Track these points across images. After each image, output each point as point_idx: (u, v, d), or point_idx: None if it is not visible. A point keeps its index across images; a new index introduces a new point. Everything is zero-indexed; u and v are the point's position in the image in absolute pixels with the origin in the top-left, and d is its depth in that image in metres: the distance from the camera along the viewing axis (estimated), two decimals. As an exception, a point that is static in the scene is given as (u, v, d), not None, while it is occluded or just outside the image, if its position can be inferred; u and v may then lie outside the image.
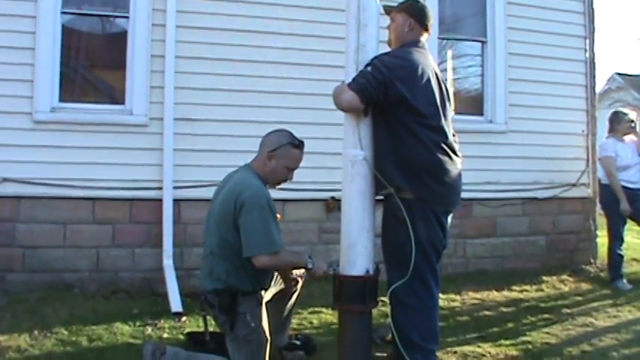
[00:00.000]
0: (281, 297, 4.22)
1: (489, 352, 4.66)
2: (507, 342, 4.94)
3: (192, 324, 5.26)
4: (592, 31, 8.19)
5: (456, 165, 3.90)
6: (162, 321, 5.28)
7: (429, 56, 3.93)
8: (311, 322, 5.45)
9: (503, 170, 7.70)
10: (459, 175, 3.95)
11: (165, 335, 4.94)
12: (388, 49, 3.98)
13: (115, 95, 6.53)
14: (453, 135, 3.95)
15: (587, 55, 8.18)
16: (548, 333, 5.22)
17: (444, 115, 3.87)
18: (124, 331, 5.00)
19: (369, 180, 3.79)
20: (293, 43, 6.84)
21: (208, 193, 6.23)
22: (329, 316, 5.60)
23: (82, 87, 6.61)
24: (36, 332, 4.85)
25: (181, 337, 4.84)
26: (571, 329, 5.36)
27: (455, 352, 4.60)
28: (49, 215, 6.19)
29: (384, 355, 4.26)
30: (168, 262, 6.23)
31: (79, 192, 6.18)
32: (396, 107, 3.71)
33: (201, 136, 6.49)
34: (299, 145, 3.98)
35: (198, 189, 6.42)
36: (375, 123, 3.80)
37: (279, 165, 3.94)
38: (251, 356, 3.76)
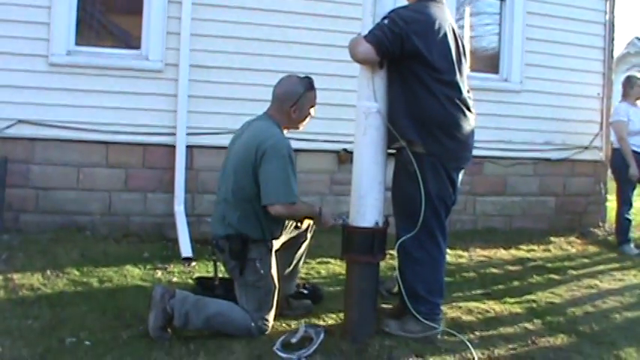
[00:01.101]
0: (290, 246, 4.24)
1: (494, 309, 4.70)
2: (512, 300, 4.97)
3: (202, 269, 5.32)
4: (614, -7, 8.10)
5: (469, 121, 3.91)
6: (171, 265, 5.36)
7: (446, 11, 3.91)
8: (319, 272, 5.51)
9: (516, 130, 7.68)
10: (472, 131, 3.96)
11: (175, 279, 5.01)
12: (406, 3, 3.96)
13: (131, 40, 6.51)
14: (468, 91, 3.95)
15: (607, 17, 8.08)
16: (552, 293, 5.25)
17: (460, 71, 3.86)
18: (134, 273, 5.07)
19: (381, 132, 3.80)
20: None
21: (221, 140, 6.35)
22: (337, 266, 5.66)
23: (98, 31, 6.58)
24: (48, 272, 4.92)
25: (190, 281, 4.89)
26: (575, 290, 5.39)
27: (460, 307, 4.64)
28: (62, 158, 6.24)
29: (390, 306, 4.31)
30: (179, 208, 6.29)
31: (92, 135, 6.22)
32: (411, 61, 3.71)
33: (215, 84, 6.49)
34: (312, 85, 4.02)
35: (211, 136, 6.46)
36: (389, 76, 3.80)
37: (304, 111, 4.00)
38: (258, 302, 3.82)
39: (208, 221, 6.32)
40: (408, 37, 3.62)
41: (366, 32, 3.71)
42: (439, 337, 3.95)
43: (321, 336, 3.66)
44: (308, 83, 4.00)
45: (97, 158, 6.31)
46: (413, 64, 3.71)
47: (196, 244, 5.82)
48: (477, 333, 4.14)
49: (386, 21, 3.63)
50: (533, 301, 4.99)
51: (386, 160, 3.89)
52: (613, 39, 8.15)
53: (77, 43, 6.28)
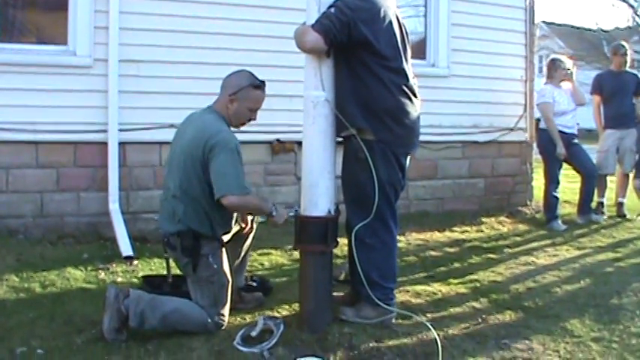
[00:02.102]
0: (237, 238, 4.22)
1: (440, 291, 4.80)
2: (456, 281, 5.08)
3: (145, 268, 5.23)
4: (532, -21, 8.32)
5: (415, 107, 3.98)
6: (113, 265, 5.23)
7: (391, -1, 3.95)
8: (262, 264, 5.49)
9: (445, 114, 7.77)
10: (419, 117, 4.04)
11: (119, 279, 4.90)
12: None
13: (57, 36, 6.27)
14: (413, 77, 4.00)
15: (527, 2, 8.30)
16: (493, 271, 5.39)
17: (405, 58, 3.92)
18: (76, 276, 4.93)
19: (330, 121, 3.82)
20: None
21: (154, 135, 6.30)
22: (278, 257, 5.68)
23: (21, 27, 6.34)
24: (-16, 280, 4.75)
25: (135, 280, 4.81)
26: (514, 268, 5.54)
27: (407, 291, 4.71)
28: (-10, 160, 6.01)
29: (341, 294, 4.33)
30: (114, 206, 6.15)
31: (21, 135, 5.99)
32: (358, 49, 3.74)
33: (147, 78, 6.34)
34: (260, 85, 3.94)
35: (144, 131, 6.33)
36: (336, 65, 3.81)
37: (242, 107, 3.91)
38: (214, 297, 3.79)
39: (145, 218, 6.32)
40: (356, 25, 3.64)
41: (310, 22, 3.70)
42: (394, 321, 4.01)
43: (281, 328, 3.65)
44: (255, 81, 3.94)
45: (26, 159, 6.07)
46: (360, 52, 3.74)
47: (135, 242, 5.72)
48: (429, 315, 4.22)
49: (333, 9, 3.64)
50: (476, 280, 5.12)
51: (335, 148, 3.90)
52: (534, 22, 8.40)
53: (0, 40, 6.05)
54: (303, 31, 3.70)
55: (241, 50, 6.53)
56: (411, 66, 4.00)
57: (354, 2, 3.72)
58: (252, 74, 3.97)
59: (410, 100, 3.91)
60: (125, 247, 5.55)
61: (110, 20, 6.12)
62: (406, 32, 4.00)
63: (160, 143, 6.29)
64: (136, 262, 5.35)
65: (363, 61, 3.76)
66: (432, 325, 3.88)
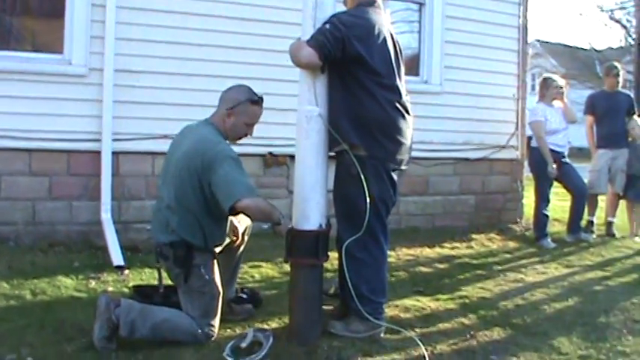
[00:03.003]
0: (228, 251, 4.24)
1: (429, 306, 4.82)
2: (445, 296, 5.10)
3: (136, 277, 5.23)
4: (526, -1, 8.41)
5: (408, 124, 4.02)
6: (104, 274, 5.23)
7: (385, 16, 4.00)
8: (252, 276, 5.51)
9: (437, 130, 7.82)
10: (411, 133, 4.08)
11: (110, 288, 4.90)
12: (345, 8, 4.03)
13: (53, 44, 6.29)
14: (406, 94, 4.04)
15: (521, 21, 8.39)
16: (482, 288, 5.42)
17: (399, 75, 3.97)
18: (67, 284, 4.94)
19: (323, 136, 3.85)
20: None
21: (148, 146, 6.33)
22: (269, 270, 5.69)
23: (17, 35, 6.37)
24: (-25, 286, 4.75)
25: (126, 290, 4.82)
26: (503, 284, 5.57)
27: (397, 306, 4.73)
28: (-18, 167, 6.01)
29: (330, 308, 4.35)
30: (106, 216, 6.16)
31: (15, 143, 6.00)
32: (352, 65, 3.78)
33: (142, 88, 6.37)
34: (258, 100, 3.97)
35: (137, 141, 6.36)
36: (330, 80, 3.85)
37: (239, 122, 3.94)
38: (204, 308, 3.81)
39: (136, 228, 6.33)
40: (350, 42, 3.68)
41: (306, 37, 3.75)
42: (383, 335, 4.04)
43: (270, 340, 3.66)
44: (253, 96, 3.97)
45: (19, 166, 6.09)
46: (354, 69, 3.78)
47: (126, 251, 5.72)
48: (418, 330, 4.23)
49: (327, 25, 3.68)
50: (465, 296, 5.13)
51: (328, 163, 3.94)
52: (526, 41, 8.48)
53: (-4, 48, 6.07)
54: (298, 47, 3.74)
55: (235, 63, 6.59)
56: (404, 83, 4.05)
57: (349, 19, 3.77)
58: (251, 89, 4.00)
59: (402, 116, 3.96)
60: (116, 257, 5.56)
61: (106, 30, 6.15)
62: (400, 50, 4.05)
63: (153, 154, 6.32)
64: (126, 271, 5.35)
65: (356, 77, 3.80)
66: (420, 340, 3.91)
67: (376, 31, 3.81)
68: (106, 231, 6.01)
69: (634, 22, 29.35)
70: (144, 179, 6.46)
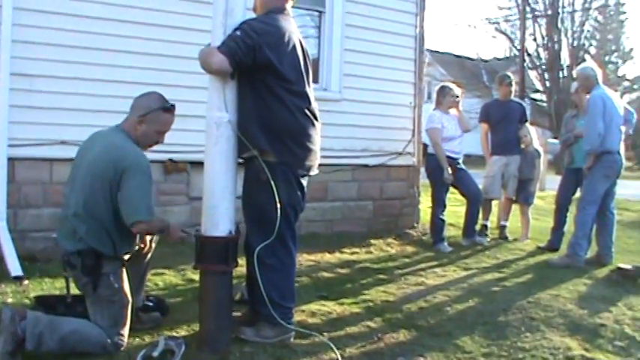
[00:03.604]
0: (135, 258, 4.16)
1: (335, 310, 4.88)
2: (349, 300, 5.18)
3: (36, 287, 5.04)
4: (422, 9, 8.64)
5: (317, 130, 4.07)
6: (2, 285, 5.01)
7: (293, 23, 4.04)
8: (156, 284, 5.41)
9: (336, 137, 7.87)
10: (319, 139, 4.12)
11: (10, 300, 4.69)
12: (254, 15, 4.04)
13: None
14: (314, 101, 4.09)
15: (418, 30, 8.61)
16: (385, 292, 5.52)
17: (308, 82, 4.01)
18: (-37, 297, 4.73)
19: (232, 142, 3.85)
20: (154, 4, 6.69)
21: (46, 152, 6.13)
22: (172, 277, 5.61)
23: None
24: None
25: (27, 301, 4.64)
26: (405, 288, 5.70)
27: (303, 311, 4.76)
28: None
29: (239, 314, 4.34)
30: (1, 224, 5.90)
31: None
32: (262, 72, 3.80)
33: (40, 93, 6.13)
34: (170, 108, 3.94)
35: (34, 147, 6.11)
36: (240, 86, 3.85)
37: (150, 129, 3.89)
38: (114, 318, 3.73)
39: (34, 237, 6.11)
40: (261, 49, 3.69)
41: (216, 43, 3.73)
42: (292, 340, 4.07)
43: (182, 348, 3.63)
44: (165, 104, 3.94)
45: None
46: (264, 75, 3.80)
47: (24, 261, 5.51)
48: (326, 334, 4.27)
49: (239, 32, 3.68)
50: (369, 300, 5.23)
51: (237, 169, 3.94)
52: (423, 51, 8.71)
53: None
54: (208, 53, 3.72)
55: (138, 68, 6.48)
56: (312, 90, 4.09)
57: (260, 26, 3.78)
58: (163, 97, 3.96)
59: (312, 123, 4.01)
60: (14, 267, 5.35)
61: (2, 32, 5.89)
62: (308, 56, 4.10)
63: (51, 160, 6.13)
64: (26, 282, 5.16)
65: (266, 83, 3.82)
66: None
67: (286, 39, 3.84)
68: (2, 240, 5.75)
69: (518, 34, 30.83)
70: (41, 186, 6.22)
